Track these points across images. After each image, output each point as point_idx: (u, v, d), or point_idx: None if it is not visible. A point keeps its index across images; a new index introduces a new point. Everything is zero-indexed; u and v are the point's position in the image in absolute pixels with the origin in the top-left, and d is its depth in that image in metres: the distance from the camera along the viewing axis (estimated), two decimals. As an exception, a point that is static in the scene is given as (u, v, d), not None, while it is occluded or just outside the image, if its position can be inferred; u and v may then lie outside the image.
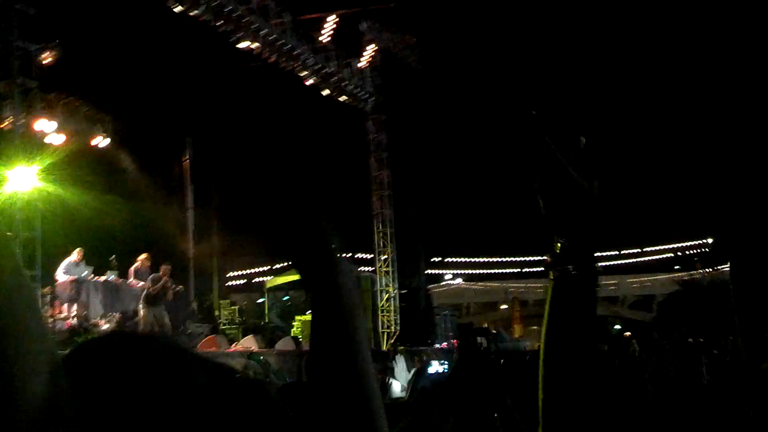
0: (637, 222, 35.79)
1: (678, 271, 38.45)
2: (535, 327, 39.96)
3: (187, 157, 20.54)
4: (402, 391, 12.25)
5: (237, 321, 18.69)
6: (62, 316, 12.63)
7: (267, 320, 20.42)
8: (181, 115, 19.62)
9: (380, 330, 20.01)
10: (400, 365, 8.93)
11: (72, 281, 13.11)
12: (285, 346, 15.56)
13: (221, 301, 20.66)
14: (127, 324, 14.07)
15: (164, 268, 13.96)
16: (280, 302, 22.16)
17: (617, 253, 43.72)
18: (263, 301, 21.95)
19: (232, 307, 19.63)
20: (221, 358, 8.83)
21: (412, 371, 9.82)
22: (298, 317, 20.08)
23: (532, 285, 46.64)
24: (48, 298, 12.31)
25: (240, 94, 19.30)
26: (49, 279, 12.38)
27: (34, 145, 12.24)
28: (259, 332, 17.04)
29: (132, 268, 14.76)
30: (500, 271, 47.10)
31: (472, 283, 45.97)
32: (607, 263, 38.75)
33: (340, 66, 18.99)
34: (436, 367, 15.05)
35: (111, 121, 17.96)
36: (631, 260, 45.40)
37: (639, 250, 46.32)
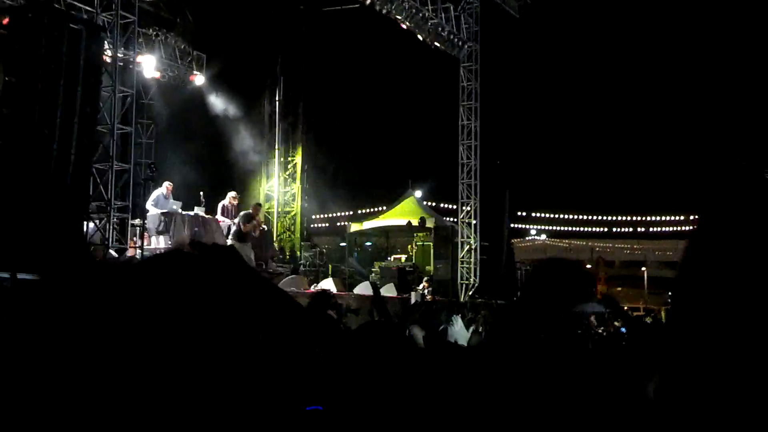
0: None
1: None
2: (619, 288, 39.17)
3: (279, 96, 20.66)
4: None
5: (318, 263, 18.95)
6: (151, 247, 13.03)
7: (347, 264, 20.62)
8: (274, 56, 19.72)
9: (459, 281, 19.94)
10: (458, 325, 8.83)
11: (161, 214, 13.47)
12: (363, 290, 15.69)
13: (303, 243, 20.96)
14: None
15: (256, 208, 14.41)
16: (360, 247, 22.34)
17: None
18: (344, 246, 22.14)
19: (314, 249, 19.90)
20: (300, 297, 8.94)
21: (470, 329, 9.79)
22: (377, 263, 20.22)
23: (620, 245, 45.57)
24: (138, 229, 12.69)
25: (334, 35, 19.22)
26: (138, 210, 12.74)
27: (132, 79, 12.48)
28: (339, 275, 17.23)
29: (220, 205, 15.05)
30: (586, 229, 46.13)
31: (557, 239, 45.26)
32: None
33: (437, 11, 18.62)
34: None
35: (206, 58, 18.23)
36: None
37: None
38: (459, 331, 8.54)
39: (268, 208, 20.24)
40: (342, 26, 18.88)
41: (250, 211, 14.30)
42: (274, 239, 18.86)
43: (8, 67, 9.69)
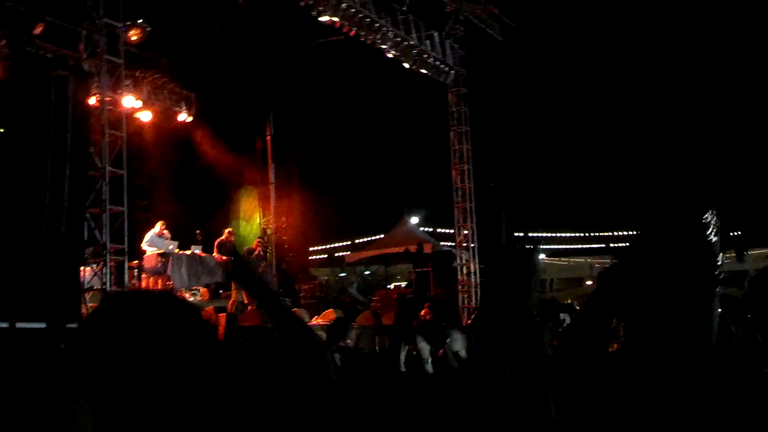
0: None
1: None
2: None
3: (270, 133, 20.70)
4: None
5: (318, 295, 18.86)
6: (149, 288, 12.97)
7: (347, 294, 20.53)
8: (263, 91, 19.80)
9: (460, 306, 19.85)
10: (458, 341, 8.75)
11: (158, 254, 13.43)
12: (365, 320, 15.60)
13: (302, 276, 20.88)
14: (212, 295, 14.39)
15: (228, 231, 14.37)
16: (360, 276, 22.27)
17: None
18: (344, 276, 22.08)
19: (313, 281, 19.82)
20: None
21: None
22: (378, 291, 20.15)
23: (619, 261, 45.50)
24: (135, 270, 12.64)
25: (321, 68, 19.32)
26: (135, 252, 12.71)
27: (121, 121, 12.50)
28: (340, 306, 17.13)
29: (217, 242, 15.02)
30: (585, 246, 46.10)
31: (556, 258, 45.19)
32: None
33: (421, 38, 18.74)
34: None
35: (195, 98, 18.30)
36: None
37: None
38: (458, 343, 8.47)
39: (266, 243, 20.18)
40: (329, 59, 18.99)
41: (252, 246, 14.34)
42: (273, 272, 18.77)
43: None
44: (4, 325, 7.84)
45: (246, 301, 13.30)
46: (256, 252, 14.11)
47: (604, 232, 45.24)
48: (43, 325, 8.18)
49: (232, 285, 13.78)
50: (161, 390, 1.00)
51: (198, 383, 1.04)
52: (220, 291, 14.83)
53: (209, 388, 1.04)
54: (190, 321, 1.10)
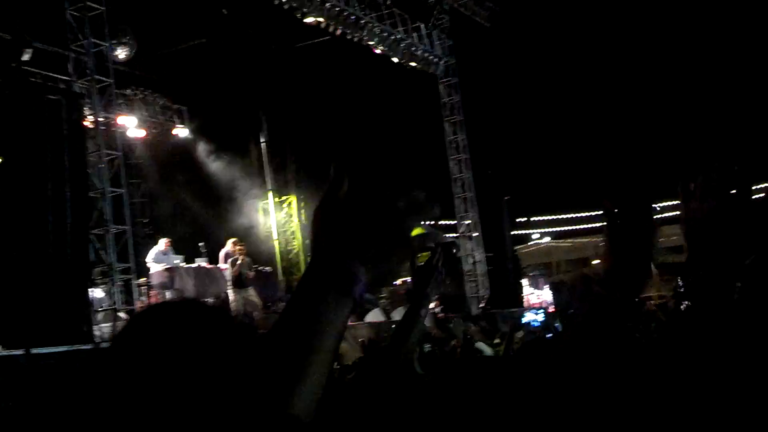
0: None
1: None
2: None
3: (264, 138, 20.71)
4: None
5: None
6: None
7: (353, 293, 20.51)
8: (254, 98, 19.80)
9: (468, 296, 19.86)
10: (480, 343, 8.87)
11: (164, 270, 13.44)
12: (375, 317, 15.65)
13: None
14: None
15: (232, 245, 14.22)
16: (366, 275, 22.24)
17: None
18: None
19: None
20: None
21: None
22: (384, 289, 20.12)
23: (623, 237, 45.45)
24: (143, 288, 12.66)
25: (311, 70, 19.32)
26: (142, 269, 12.73)
27: (117, 140, 12.52)
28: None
29: (222, 253, 15.02)
30: (588, 226, 46.09)
31: (561, 240, 45.18)
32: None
33: (407, 31, 18.74)
34: (530, 317, 14.93)
35: (187, 110, 18.30)
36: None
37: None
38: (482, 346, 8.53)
39: (270, 249, 20.20)
40: (317, 61, 18.98)
41: (230, 249, 14.27)
42: (280, 278, 18.80)
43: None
44: (20, 352, 7.86)
45: (247, 308, 13.32)
46: (235, 254, 13.97)
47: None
48: (58, 349, 8.20)
49: (233, 294, 13.74)
50: (207, 394, 0.99)
51: (243, 382, 1.03)
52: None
53: (252, 385, 1.03)
54: (226, 322, 1.09)
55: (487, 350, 8.71)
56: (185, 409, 0.97)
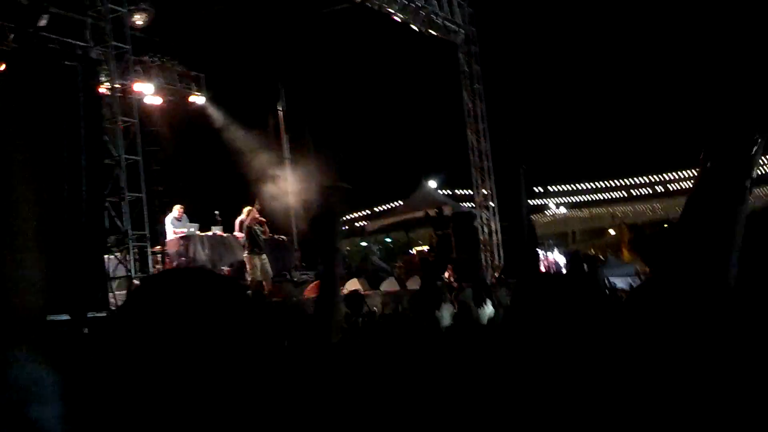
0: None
1: None
2: (646, 251, 38.78)
3: (282, 106, 20.63)
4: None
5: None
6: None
7: (370, 262, 20.58)
8: (272, 66, 19.69)
9: (483, 264, 19.88)
10: (489, 308, 8.85)
11: (180, 238, 13.50)
12: (389, 286, 15.71)
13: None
14: (235, 275, 14.45)
15: (248, 213, 14.01)
16: (382, 244, 22.31)
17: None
18: (365, 245, 22.13)
19: (336, 252, 19.81)
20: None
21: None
22: (400, 258, 20.18)
23: (641, 207, 45.20)
24: (159, 256, 12.73)
25: (330, 38, 19.16)
26: (157, 237, 12.79)
27: (133, 107, 12.50)
28: (363, 275, 17.20)
29: (237, 221, 15.05)
30: (605, 196, 45.79)
31: (576, 210, 44.98)
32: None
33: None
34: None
35: (204, 78, 18.23)
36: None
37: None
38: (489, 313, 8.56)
39: (286, 219, 20.21)
40: (336, 28, 18.81)
41: (243, 218, 14.11)
42: (296, 247, 18.84)
43: (8, 112, 9.72)
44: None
45: (260, 275, 13.25)
46: (248, 219, 13.74)
47: (622, 179, 44.86)
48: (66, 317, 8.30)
49: (249, 263, 13.62)
50: (214, 362, 1.02)
51: (251, 352, 1.06)
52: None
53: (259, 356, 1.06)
54: (235, 293, 1.11)
55: (488, 309, 8.77)
56: (186, 376, 1.00)
